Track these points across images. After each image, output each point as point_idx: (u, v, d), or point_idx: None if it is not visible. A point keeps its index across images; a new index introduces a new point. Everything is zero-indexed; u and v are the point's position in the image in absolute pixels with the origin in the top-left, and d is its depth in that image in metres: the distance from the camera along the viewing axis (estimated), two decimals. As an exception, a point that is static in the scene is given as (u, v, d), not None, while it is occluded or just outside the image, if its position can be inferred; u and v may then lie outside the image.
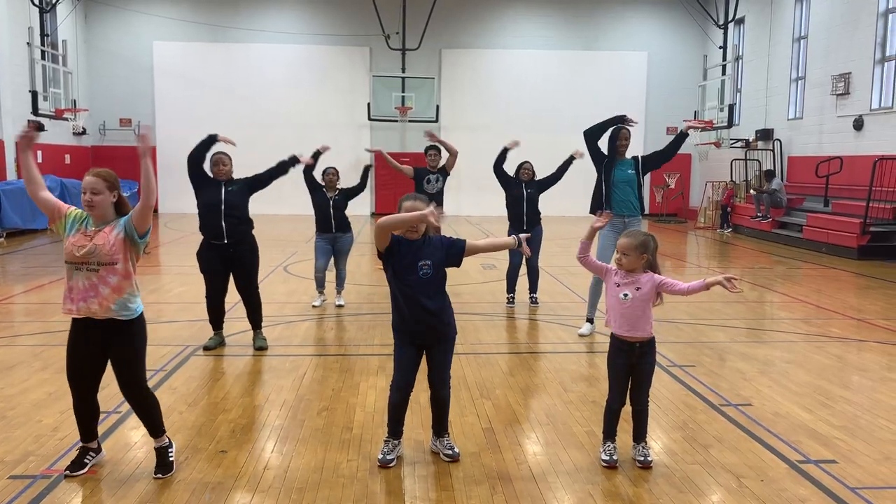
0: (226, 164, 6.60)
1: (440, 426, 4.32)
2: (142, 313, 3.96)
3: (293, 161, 7.09)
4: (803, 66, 18.69)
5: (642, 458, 4.18)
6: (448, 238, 4.13)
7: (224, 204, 6.49)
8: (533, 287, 8.91)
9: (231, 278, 6.70)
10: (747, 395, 5.52)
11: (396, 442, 4.24)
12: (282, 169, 6.98)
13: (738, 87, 22.03)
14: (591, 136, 7.20)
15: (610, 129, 7.16)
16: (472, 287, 10.17)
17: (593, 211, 7.28)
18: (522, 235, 4.19)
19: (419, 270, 3.98)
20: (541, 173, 8.80)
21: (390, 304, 4.18)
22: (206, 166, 6.66)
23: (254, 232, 6.78)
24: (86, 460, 4.00)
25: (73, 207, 3.92)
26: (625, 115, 7.18)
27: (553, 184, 8.72)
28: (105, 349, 3.87)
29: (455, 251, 4.09)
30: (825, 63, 17.36)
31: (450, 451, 4.25)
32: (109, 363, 3.93)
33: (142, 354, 3.98)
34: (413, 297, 4.01)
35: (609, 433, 4.23)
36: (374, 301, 9.13)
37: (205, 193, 6.57)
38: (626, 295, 4.09)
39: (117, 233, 3.81)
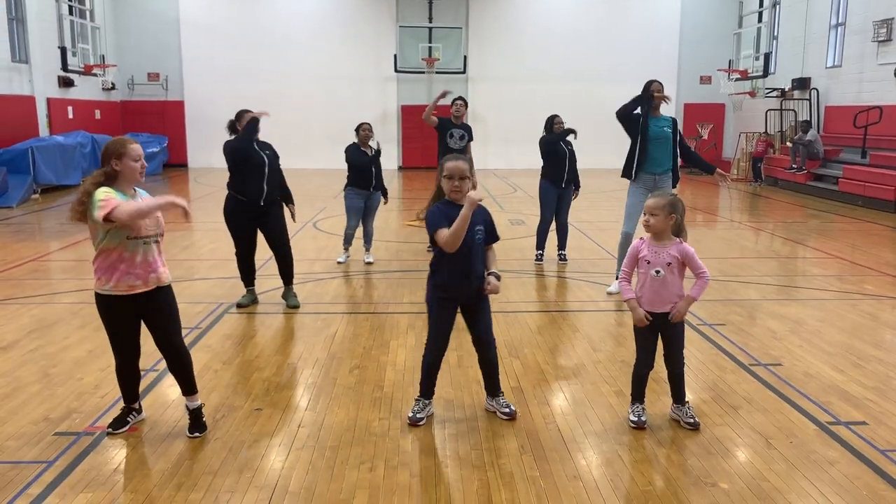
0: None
1: (493, 386, 4.38)
2: None
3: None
4: (843, 12, 18.02)
5: (691, 421, 4.16)
6: (487, 213, 4.26)
7: (268, 167, 6.53)
8: (562, 244, 8.87)
9: (259, 234, 6.75)
10: (777, 354, 5.50)
11: (427, 402, 4.32)
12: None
13: (775, 34, 21.34)
14: (625, 115, 6.99)
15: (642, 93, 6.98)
16: (500, 243, 10.11)
17: (626, 174, 7.15)
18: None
19: (475, 235, 4.08)
20: (570, 124, 8.63)
21: (424, 264, 4.21)
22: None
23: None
24: (129, 419, 4.13)
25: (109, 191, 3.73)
26: (652, 85, 6.93)
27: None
28: (141, 314, 3.95)
29: (492, 231, 4.31)
30: (866, 8, 16.72)
31: (507, 410, 4.32)
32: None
33: (177, 312, 4.08)
34: (467, 259, 4.09)
35: (637, 395, 4.25)
36: (402, 258, 9.17)
37: (249, 158, 6.47)
38: (658, 272, 4.05)
39: None
